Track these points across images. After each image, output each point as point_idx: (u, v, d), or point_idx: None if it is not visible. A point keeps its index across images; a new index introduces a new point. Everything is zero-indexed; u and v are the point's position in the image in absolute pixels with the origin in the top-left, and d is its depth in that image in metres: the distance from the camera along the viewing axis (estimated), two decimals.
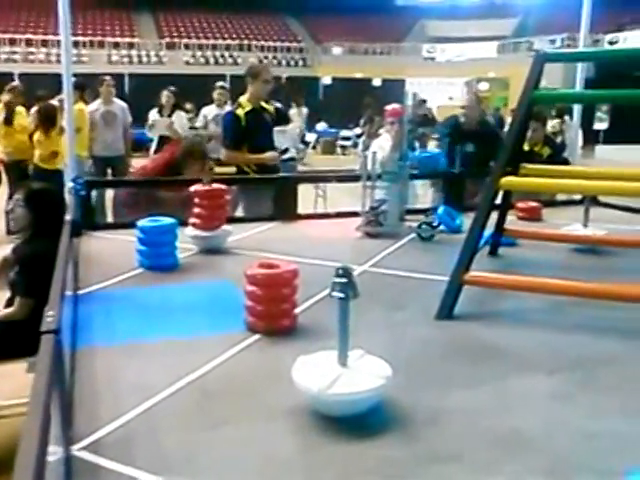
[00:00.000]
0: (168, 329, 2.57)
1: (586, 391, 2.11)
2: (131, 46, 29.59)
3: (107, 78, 8.40)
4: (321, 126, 24.23)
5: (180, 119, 8.59)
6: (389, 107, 6.22)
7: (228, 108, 6.94)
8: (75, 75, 4.83)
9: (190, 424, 1.86)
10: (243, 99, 5.30)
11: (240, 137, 5.19)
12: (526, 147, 5.11)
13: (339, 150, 23.15)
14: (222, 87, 9.06)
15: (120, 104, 8.59)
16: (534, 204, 4.83)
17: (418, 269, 3.40)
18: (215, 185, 3.82)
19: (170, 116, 8.45)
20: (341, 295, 1.79)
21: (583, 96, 3.36)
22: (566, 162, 6.06)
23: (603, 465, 1.65)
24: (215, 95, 8.93)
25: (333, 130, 23.78)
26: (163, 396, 1.99)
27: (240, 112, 5.22)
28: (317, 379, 1.81)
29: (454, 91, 31.32)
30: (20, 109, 8.60)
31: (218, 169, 6.56)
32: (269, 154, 5.29)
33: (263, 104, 5.38)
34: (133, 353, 2.35)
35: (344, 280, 1.78)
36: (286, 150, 5.44)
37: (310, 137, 23.96)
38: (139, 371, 2.20)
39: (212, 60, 29.72)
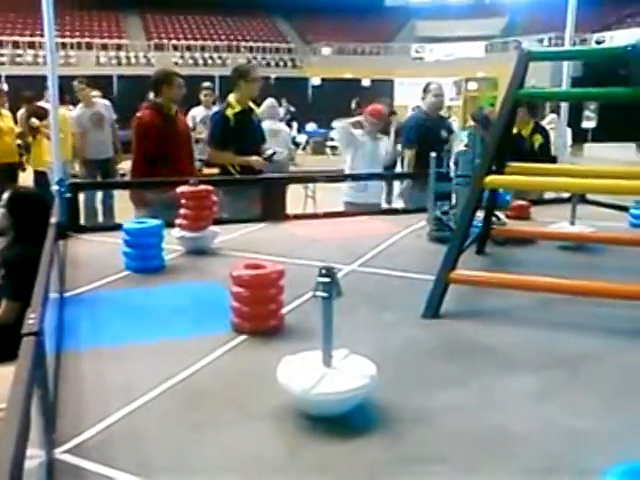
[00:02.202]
0: (154, 331, 2.56)
1: (570, 389, 2.12)
2: (119, 47, 29.51)
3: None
4: (311, 127, 24.23)
5: None
6: (370, 107, 6.25)
7: (216, 109, 6.91)
8: (63, 77, 4.81)
9: (175, 426, 1.85)
10: (232, 99, 5.26)
11: (227, 138, 5.16)
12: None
13: (329, 150, 23.14)
14: (208, 88, 9.04)
15: (103, 103, 8.56)
16: (522, 203, 4.84)
17: (406, 268, 3.40)
18: (202, 186, 3.81)
19: None
20: (324, 295, 1.78)
21: (567, 94, 3.38)
22: (554, 159, 6.08)
23: (584, 463, 1.65)
24: (202, 96, 8.90)
25: (323, 130, 23.76)
26: (148, 398, 1.98)
27: (229, 112, 5.19)
28: (301, 379, 1.81)
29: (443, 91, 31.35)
30: (5, 112, 8.55)
31: (206, 170, 6.59)
32: (255, 158, 5.25)
33: (251, 105, 5.36)
34: (119, 355, 2.34)
35: (327, 280, 1.78)
36: (273, 154, 5.40)
37: (300, 138, 23.98)
38: (124, 373, 2.19)
39: (201, 61, 29.66)
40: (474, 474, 1.62)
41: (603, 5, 26.63)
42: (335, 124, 6.21)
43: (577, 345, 2.46)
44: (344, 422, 1.81)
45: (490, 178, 2.82)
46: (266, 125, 7.39)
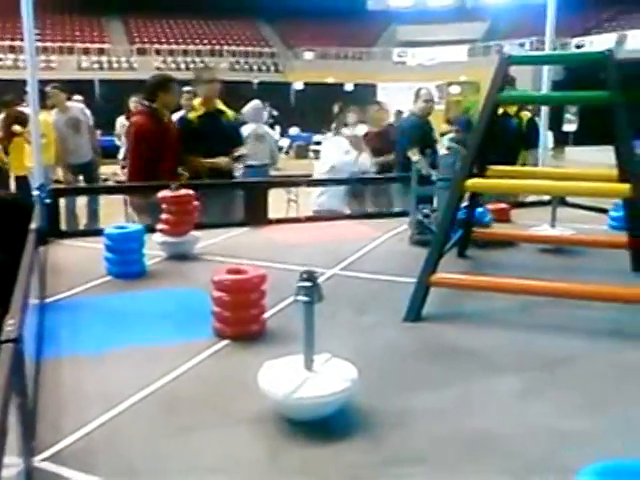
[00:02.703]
0: (135, 337, 2.55)
1: (550, 390, 2.13)
2: (101, 52, 29.35)
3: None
4: (294, 131, 24.24)
5: None
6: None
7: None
8: (44, 82, 4.78)
9: (155, 432, 1.84)
10: (197, 102, 5.23)
11: (192, 141, 5.05)
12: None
13: (312, 155, 23.16)
14: (189, 92, 8.98)
15: (77, 106, 8.48)
16: (503, 205, 4.87)
17: (388, 271, 3.41)
18: (183, 191, 3.80)
19: None
20: (306, 299, 1.79)
21: (546, 98, 3.41)
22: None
23: (564, 463, 1.66)
24: (183, 101, 8.83)
25: (306, 135, 23.80)
26: (128, 404, 1.97)
27: (192, 115, 5.15)
28: (283, 383, 1.81)
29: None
30: None
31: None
32: (222, 159, 5.21)
33: (221, 107, 5.30)
34: (99, 362, 2.32)
35: (308, 284, 1.78)
36: (240, 157, 5.35)
37: (283, 142, 23.98)
38: (105, 380, 2.18)
39: (183, 66, 29.57)
40: (455, 475, 1.63)
41: (583, 10, 26.93)
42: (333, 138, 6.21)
43: (557, 347, 2.48)
44: (325, 426, 1.82)
45: (471, 181, 2.84)
46: (251, 128, 7.37)
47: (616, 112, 2.75)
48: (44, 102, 8.13)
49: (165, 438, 1.80)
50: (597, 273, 3.40)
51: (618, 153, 2.87)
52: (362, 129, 6.71)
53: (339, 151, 6.13)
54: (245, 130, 7.50)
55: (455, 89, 29.20)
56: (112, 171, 9.71)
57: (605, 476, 1.08)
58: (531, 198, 5.56)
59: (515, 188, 3.28)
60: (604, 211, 4.91)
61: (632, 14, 27.98)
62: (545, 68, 5.79)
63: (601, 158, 7.56)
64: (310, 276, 1.79)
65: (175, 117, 7.35)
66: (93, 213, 7.77)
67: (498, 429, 1.85)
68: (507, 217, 4.81)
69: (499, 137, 4.49)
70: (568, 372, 2.27)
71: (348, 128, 6.58)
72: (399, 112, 11.38)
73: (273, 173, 7.95)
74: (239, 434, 1.81)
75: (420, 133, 6.19)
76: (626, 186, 2.59)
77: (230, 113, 5.37)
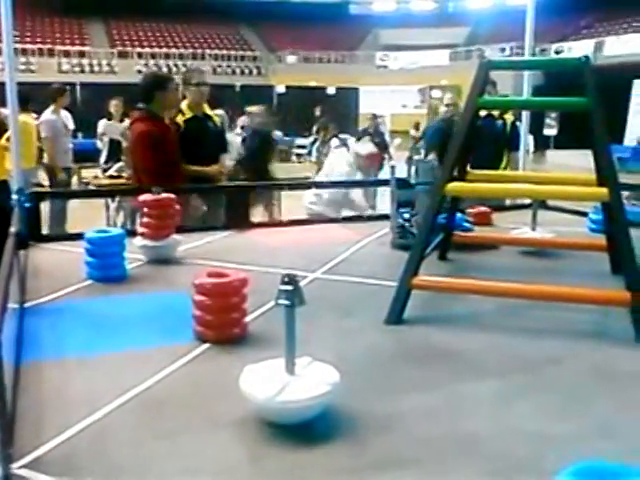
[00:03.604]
0: (116, 342, 2.53)
1: (533, 392, 2.14)
2: (82, 55, 29.19)
3: (67, 87, 8.21)
4: (276, 134, 24.22)
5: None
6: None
7: None
8: (24, 84, 4.73)
9: (138, 436, 1.83)
10: (184, 106, 5.13)
11: (182, 146, 4.98)
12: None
13: (294, 158, 23.20)
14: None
15: (65, 113, 8.46)
16: (484, 209, 4.91)
17: (370, 275, 3.42)
18: (164, 194, 3.79)
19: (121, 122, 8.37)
20: (287, 302, 1.79)
21: (526, 103, 3.45)
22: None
23: (547, 464, 1.67)
24: (111, 108, 8.82)
25: (288, 138, 23.82)
26: (110, 409, 1.95)
27: (179, 119, 5.05)
28: (264, 387, 1.81)
29: (408, 99, 31.75)
30: None
31: None
32: (213, 168, 5.14)
33: (207, 111, 5.25)
34: (80, 367, 2.30)
35: (290, 287, 1.79)
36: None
37: None
38: (86, 385, 2.16)
39: (165, 69, 29.48)
40: (441, 478, 1.64)
41: (561, 16, 27.23)
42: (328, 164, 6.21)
43: (539, 349, 2.50)
44: (308, 430, 1.81)
45: (452, 185, 2.86)
46: None
47: (593, 117, 2.78)
48: (25, 105, 8.13)
49: (148, 442, 1.79)
50: (577, 275, 3.43)
51: (596, 158, 2.91)
52: (367, 148, 6.67)
53: (345, 166, 6.15)
54: None
55: (437, 93, 29.39)
56: (93, 175, 9.64)
57: (584, 477, 1.09)
58: (509, 202, 5.61)
59: (495, 192, 3.31)
60: (584, 214, 4.96)
61: (609, 21, 28.40)
62: (526, 73, 5.85)
63: (581, 162, 7.67)
64: (291, 279, 1.80)
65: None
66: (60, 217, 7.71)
67: (482, 431, 1.86)
68: (488, 220, 4.85)
69: (485, 139, 4.54)
70: (551, 374, 2.29)
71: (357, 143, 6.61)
72: (374, 116, 11.45)
73: None
74: (222, 438, 1.81)
75: (441, 137, 6.21)
76: (604, 190, 2.62)
77: (217, 118, 5.32)
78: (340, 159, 6.39)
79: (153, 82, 4.90)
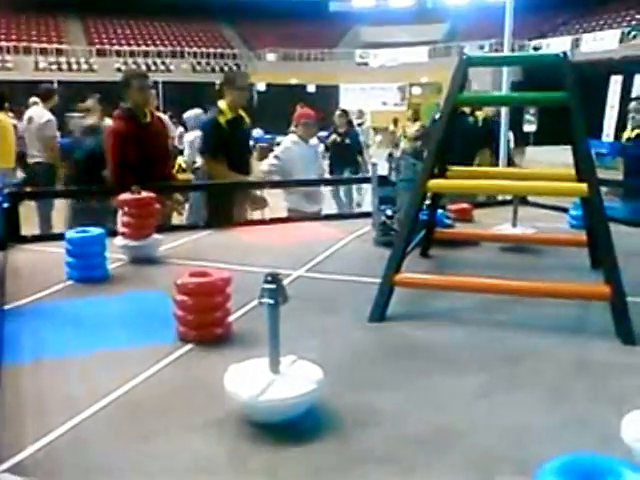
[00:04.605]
0: (98, 342, 2.51)
1: (511, 387, 2.17)
2: (59, 52, 28.87)
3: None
4: (257, 132, 24.15)
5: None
6: (300, 110, 6.33)
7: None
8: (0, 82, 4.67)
9: (119, 438, 1.81)
10: (223, 105, 5.11)
11: (220, 146, 5.01)
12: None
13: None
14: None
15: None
16: (465, 205, 4.93)
17: (353, 272, 3.43)
18: (144, 193, 3.76)
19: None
20: (270, 301, 1.79)
21: (505, 98, 3.47)
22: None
23: (525, 457, 1.69)
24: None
25: (269, 136, 23.75)
26: (92, 411, 1.94)
27: (222, 119, 5.05)
28: (248, 386, 1.80)
29: (388, 96, 31.79)
30: None
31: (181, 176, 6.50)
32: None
33: (242, 113, 5.27)
34: (61, 369, 2.28)
35: (273, 286, 1.78)
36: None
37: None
38: (67, 386, 2.14)
39: (144, 67, 29.27)
40: (424, 473, 1.65)
41: (539, 13, 27.41)
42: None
43: (519, 344, 2.53)
44: (292, 428, 1.82)
45: (433, 182, 2.87)
46: (194, 135, 7.49)
47: (572, 113, 2.80)
48: (1, 103, 8.06)
49: (131, 444, 1.78)
50: (558, 271, 3.46)
51: (575, 153, 2.93)
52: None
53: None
54: (191, 136, 7.63)
55: (417, 90, 29.46)
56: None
57: (564, 473, 1.10)
58: (490, 198, 5.64)
59: (477, 188, 3.33)
60: (564, 210, 5.00)
61: (585, 18, 28.66)
62: (505, 69, 5.88)
63: (560, 158, 7.75)
64: (274, 278, 1.79)
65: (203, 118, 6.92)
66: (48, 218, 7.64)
67: (463, 426, 1.88)
68: (469, 217, 4.87)
69: (457, 135, 4.55)
70: (530, 369, 2.31)
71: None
72: (344, 113, 10.42)
73: None
74: (206, 438, 1.80)
75: None
76: (583, 185, 2.64)
77: (248, 120, 5.30)
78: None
79: (123, 80, 4.93)
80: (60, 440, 1.79)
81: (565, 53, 2.85)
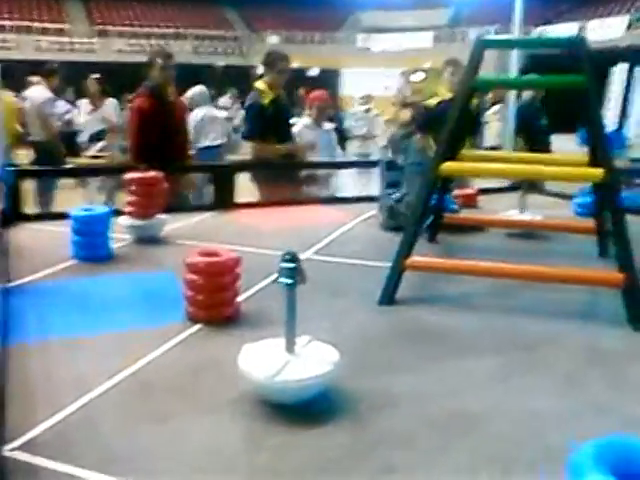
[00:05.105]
0: (105, 322, 2.48)
1: (528, 371, 2.14)
2: (60, 32, 28.60)
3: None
4: None
5: (111, 106, 8.34)
6: (314, 93, 6.26)
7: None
8: (1, 61, 4.62)
9: (131, 418, 1.79)
10: (263, 86, 5.15)
11: (266, 127, 5.07)
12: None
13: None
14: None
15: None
16: (470, 191, 4.89)
17: (361, 256, 3.40)
18: (151, 173, 3.72)
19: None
20: (288, 281, 1.75)
21: (523, 82, 3.40)
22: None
23: (546, 442, 1.68)
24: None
25: None
26: (102, 391, 1.92)
27: (265, 100, 5.10)
28: (264, 367, 1.77)
29: (390, 82, 31.55)
30: None
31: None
32: (297, 145, 5.25)
33: (281, 92, 5.25)
34: (69, 348, 2.25)
35: (291, 265, 1.75)
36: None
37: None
38: (76, 366, 2.11)
39: (147, 49, 29.05)
40: (444, 457, 1.62)
41: (543, 1, 27.22)
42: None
43: (532, 329, 2.50)
44: (306, 409, 1.79)
45: (446, 165, 2.83)
46: (202, 112, 7.39)
47: (590, 95, 2.76)
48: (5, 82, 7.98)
49: (143, 425, 1.75)
50: (565, 258, 3.42)
51: (591, 137, 2.89)
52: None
53: None
54: (197, 114, 7.51)
55: (419, 75, 29.28)
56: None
57: (601, 456, 1.08)
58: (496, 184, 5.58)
59: (490, 172, 3.27)
60: (569, 197, 4.97)
61: (589, 6, 28.43)
62: (514, 54, 5.82)
63: (562, 145, 7.72)
64: (293, 257, 1.76)
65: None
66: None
67: (479, 410, 1.85)
68: (474, 203, 4.83)
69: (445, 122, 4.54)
70: (545, 354, 2.29)
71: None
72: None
73: (238, 157, 7.93)
74: (220, 419, 1.77)
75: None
76: (599, 171, 2.60)
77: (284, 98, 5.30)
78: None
79: (148, 59, 5.03)
80: (70, 419, 1.76)
81: (582, 35, 2.80)
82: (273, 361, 1.79)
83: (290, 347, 1.83)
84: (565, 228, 3.82)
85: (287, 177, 5.12)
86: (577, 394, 1.98)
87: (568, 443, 1.56)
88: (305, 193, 5.28)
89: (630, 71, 12.31)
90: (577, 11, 29.85)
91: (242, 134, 5.77)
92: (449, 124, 2.96)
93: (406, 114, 11.21)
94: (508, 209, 4.24)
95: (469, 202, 4.75)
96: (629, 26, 24.65)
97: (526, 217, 4.02)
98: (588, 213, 4.34)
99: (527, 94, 6.46)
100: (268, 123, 5.06)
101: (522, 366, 2.18)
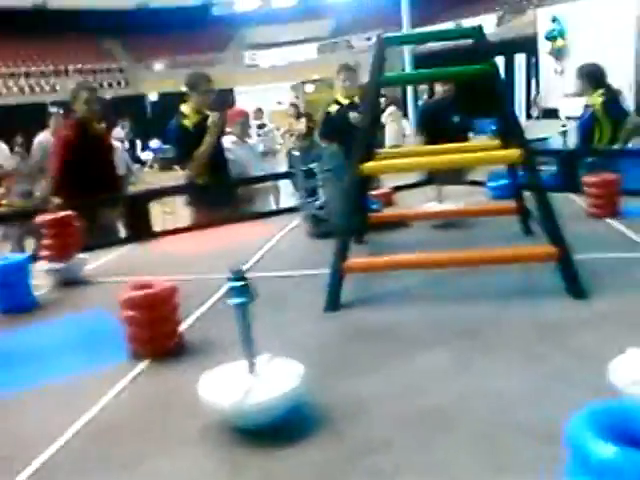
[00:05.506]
0: (45, 372, 2.31)
1: (481, 355, 2.15)
2: None
3: None
4: (155, 143, 23.57)
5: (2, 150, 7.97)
6: (233, 110, 6.20)
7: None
8: None
9: (101, 469, 1.66)
10: (187, 109, 5.07)
11: (190, 146, 4.96)
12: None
13: (177, 166, 22.63)
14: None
15: None
16: (387, 190, 4.95)
17: (294, 267, 3.35)
18: (63, 212, 3.55)
19: None
20: (240, 299, 1.69)
21: (426, 75, 3.47)
22: None
23: (520, 421, 1.68)
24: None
25: (167, 146, 23.23)
26: (59, 445, 1.77)
27: (188, 123, 5.01)
28: (229, 392, 1.69)
29: (282, 96, 31.80)
30: None
31: None
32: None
33: (207, 113, 5.14)
34: (11, 405, 2.09)
35: (240, 283, 1.69)
36: None
37: (146, 155, 23.26)
38: (24, 423, 1.96)
39: (27, 89, 28.01)
40: (428, 454, 1.60)
41: (419, 1, 28.17)
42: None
43: (476, 313, 2.53)
44: (280, 428, 1.72)
45: (367, 165, 2.83)
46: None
47: (496, 81, 2.85)
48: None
49: (114, 474, 1.63)
50: (494, 241, 3.49)
51: (502, 120, 2.97)
52: None
53: None
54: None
55: (310, 87, 29.57)
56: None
57: (598, 422, 1.08)
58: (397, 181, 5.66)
59: (411, 167, 3.32)
60: (480, 184, 5.11)
61: (461, 6, 29.65)
62: (406, 49, 5.97)
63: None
64: (240, 275, 1.70)
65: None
66: None
67: (449, 402, 1.84)
68: (391, 201, 4.89)
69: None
70: (493, 337, 2.30)
71: None
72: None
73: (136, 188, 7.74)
74: (192, 455, 1.68)
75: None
76: (518, 151, 2.67)
77: (211, 119, 5.14)
78: None
79: (72, 92, 5.10)
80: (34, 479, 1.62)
81: (480, 26, 2.88)
82: (236, 385, 1.71)
83: (252, 368, 1.76)
84: (488, 212, 3.91)
85: (221, 198, 5.01)
86: (538, 369, 2.01)
87: (547, 418, 1.59)
88: (239, 211, 5.16)
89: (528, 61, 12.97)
90: (450, 11, 31.04)
91: (173, 158, 5.80)
92: (363, 123, 2.98)
93: (301, 124, 11.36)
94: (424, 203, 4.31)
95: (387, 200, 4.80)
96: (498, 23, 25.88)
97: (448, 207, 4.09)
98: (503, 195, 4.49)
99: (437, 92, 6.59)
100: (194, 145, 4.98)
101: (476, 351, 2.19)
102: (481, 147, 3.25)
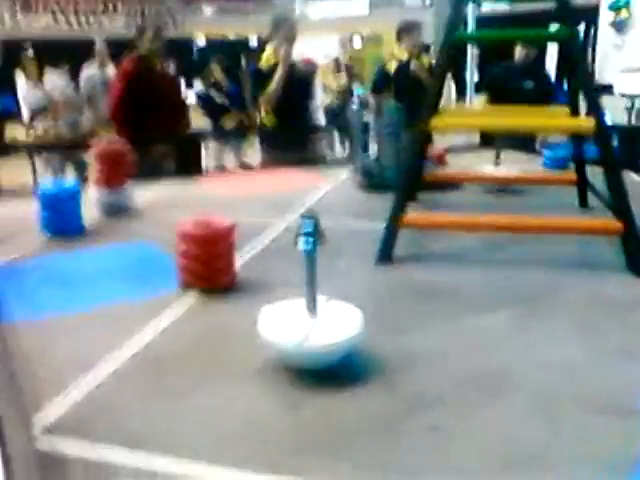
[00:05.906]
0: (96, 296, 2.32)
1: (539, 322, 2.11)
2: None
3: None
4: (199, 85, 23.46)
5: (53, 80, 7.92)
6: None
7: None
8: None
9: (150, 394, 1.66)
10: (268, 52, 4.99)
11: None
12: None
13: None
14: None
15: None
16: (440, 150, 4.85)
17: (347, 218, 3.32)
18: (117, 144, 3.55)
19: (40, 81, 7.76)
20: (310, 240, 1.66)
21: (503, 35, 3.34)
22: None
23: (579, 390, 1.65)
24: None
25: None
26: (110, 367, 1.78)
27: (265, 65, 4.92)
28: (289, 332, 1.67)
29: (329, 48, 31.32)
30: None
31: None
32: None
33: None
34: (60, 327, 2.09)
35: (313, 226, 1.65)
36: None
37: (191, 97, 23.18)
38: (73, 345, 1.95)
39: (76, 25, 27.89)
40: (482, 414, 1.56)
41: None
42: None
43: (533, 281, 2.48)
44: (337, 372, 1.70)
45: (436, 121, 2.75)
46: None
47: (575, 46, 2.74)
48: None
49: (164, 400, 1.63)
50: (548, 209, 3.40)
51: (577, 88, 2.86)
52: None
53: None
54: None
55: (357, 42, 29.11)
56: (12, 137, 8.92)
57: None
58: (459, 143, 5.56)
59: (481, 125, 3.22)
60: (534, 152, 4.99)
61: None
62: (469, 12, 5.79)
63: None
64: (312, 217, 1.66)
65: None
66: None
67: (505, 364, 1.80)
68: (445, 161, 4.80)
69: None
70: (552, 305, 2.25)
71: None
72: None
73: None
74: (246, 389, 1.67)
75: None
76: (593, 121, 2.56)
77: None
78: None
79: (137, 29, 5.15)
80: (86, 399, 1.63)
81: None
82: (298, 325, 1.68)
83: (312, 309, 1.73)
84: (546, 181, 3.80)
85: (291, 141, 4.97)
86: (598, 340, 1.96)
87: (609, 391, 1.55)
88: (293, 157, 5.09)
89: (586, 32, 12.51)
90: None
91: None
92: (435, 80, 2.89)
93: (341, 79, 11.13)
94: (475, 165, 4.22)
95: (440, 161, 4.71)
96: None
97: (503, 172, 3.99)
98: (557, 165, 4.39)
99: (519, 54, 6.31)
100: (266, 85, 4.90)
101: (535, 318, 2.14)
102: (548, 114, 3.13)
